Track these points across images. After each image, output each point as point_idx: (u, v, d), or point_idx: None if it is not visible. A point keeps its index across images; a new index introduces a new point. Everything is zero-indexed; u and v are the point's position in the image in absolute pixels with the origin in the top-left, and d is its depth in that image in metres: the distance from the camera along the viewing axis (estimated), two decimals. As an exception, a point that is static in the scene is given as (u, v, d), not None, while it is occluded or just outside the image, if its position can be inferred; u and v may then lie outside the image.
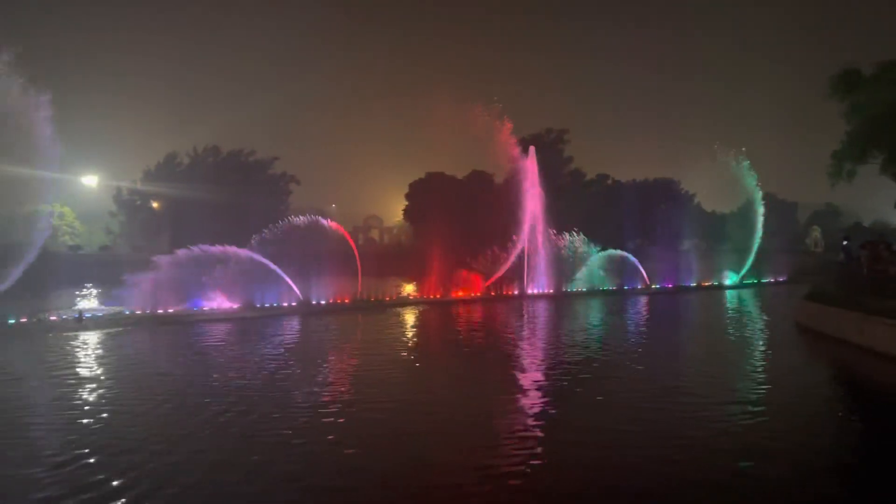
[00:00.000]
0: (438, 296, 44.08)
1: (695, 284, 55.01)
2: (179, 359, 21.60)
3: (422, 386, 17.11)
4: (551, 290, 46.96)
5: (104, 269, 35.54)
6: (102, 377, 18.16)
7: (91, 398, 15.24)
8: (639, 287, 52.01)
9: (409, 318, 34.23)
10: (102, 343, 24.66)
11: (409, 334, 28.63)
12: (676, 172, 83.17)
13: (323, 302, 38.97)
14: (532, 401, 14.79)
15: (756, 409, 14.04)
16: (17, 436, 12.28)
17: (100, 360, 21.18)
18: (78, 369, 19.10)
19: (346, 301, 40.51)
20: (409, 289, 46.68)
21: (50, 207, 40.56)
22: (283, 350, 23.26)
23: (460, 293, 44.77)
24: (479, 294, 45.31)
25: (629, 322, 32.33)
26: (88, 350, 22.95)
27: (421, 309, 38.43)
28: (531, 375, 17.97)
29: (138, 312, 33.04)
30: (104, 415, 13.64)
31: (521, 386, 16.65)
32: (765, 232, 60.80)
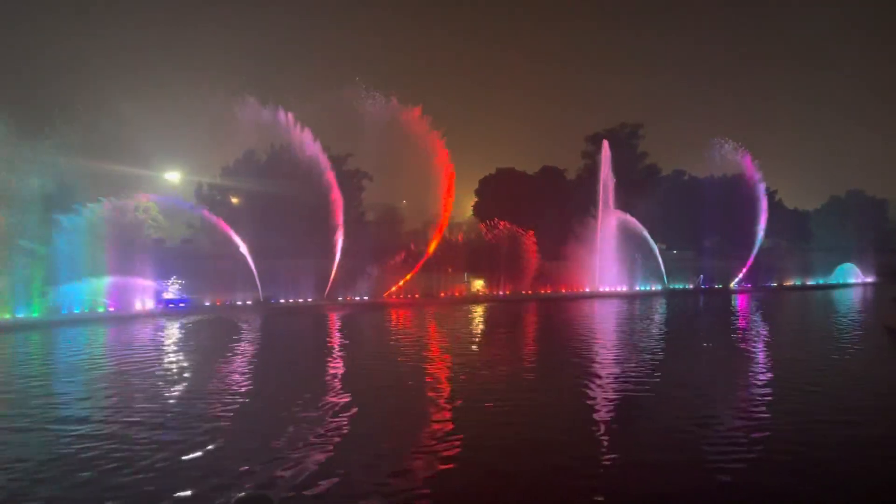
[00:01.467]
0: (508, 292, 43.87)
1: (775, 284, 53.02)
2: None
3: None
4: (624, 288, 46.10)
5: (186, 262, 36.86)
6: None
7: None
8: (717, 286, 50.54)
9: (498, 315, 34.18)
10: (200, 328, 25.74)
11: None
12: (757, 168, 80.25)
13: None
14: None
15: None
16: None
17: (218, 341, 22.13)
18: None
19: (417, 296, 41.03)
20: (478, 285, 46.58)
21: (136, 202, 42.51)
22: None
23: (530, 291, 44.47)
24: (549, 291, 44.90)
25: (720, 324, 31.18)
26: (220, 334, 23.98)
27: (492, 305, 38.34)
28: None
29: (217, 304, 34.40)
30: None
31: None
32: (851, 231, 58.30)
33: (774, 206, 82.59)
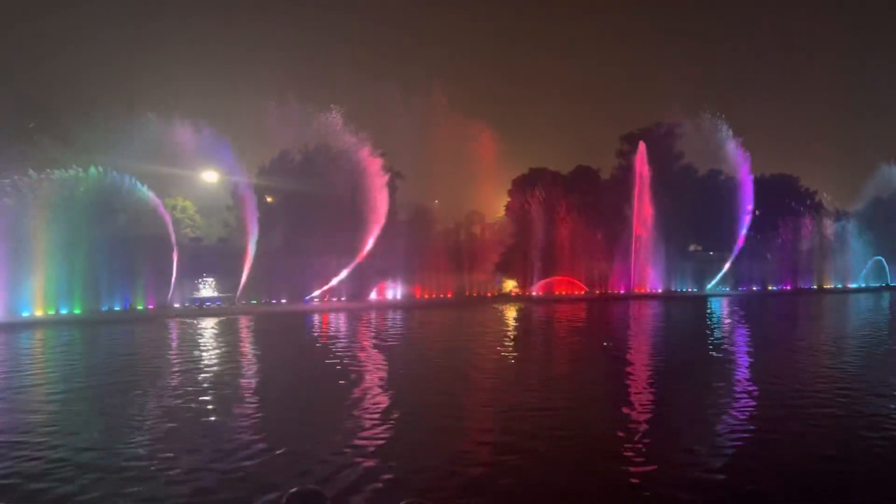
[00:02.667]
0: (541, 293, 43.61)
1: (816, 287, 51.87)
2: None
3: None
4: (659, 290, 45.48)
5: (222, 260, 37.30)
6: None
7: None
8: (755, 289, 49.66)
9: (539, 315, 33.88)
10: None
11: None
12: (797, 168, 78.65)
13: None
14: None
15: None
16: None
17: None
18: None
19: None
20: (510, 285, 46.30)
21: (173, 201, 43.17)
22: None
23: (563, 291, 44.18)
24: (582, 293, 44.51)
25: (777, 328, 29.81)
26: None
27: (524, 306, 38.11)
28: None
29: (254, 302, 34.84)
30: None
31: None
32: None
33: (814, 207, 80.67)
